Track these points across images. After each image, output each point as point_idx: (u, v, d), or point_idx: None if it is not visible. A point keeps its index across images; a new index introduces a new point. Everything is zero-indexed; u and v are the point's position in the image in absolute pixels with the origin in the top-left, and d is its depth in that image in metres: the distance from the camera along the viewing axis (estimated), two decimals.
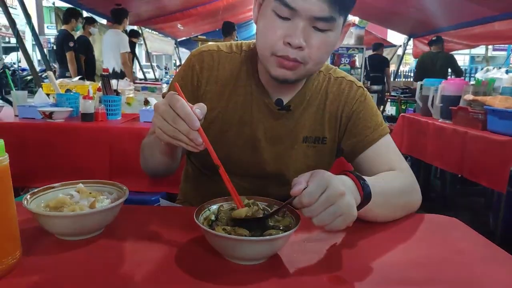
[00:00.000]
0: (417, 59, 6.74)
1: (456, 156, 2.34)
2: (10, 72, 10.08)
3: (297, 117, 0.89)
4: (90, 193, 0.71)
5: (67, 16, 4.74)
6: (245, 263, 0.59)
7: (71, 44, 4.61)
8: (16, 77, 10.01)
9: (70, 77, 4.17)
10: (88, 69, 5.05)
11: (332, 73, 0.94)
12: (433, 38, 5.36)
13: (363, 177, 0.68)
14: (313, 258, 0.62)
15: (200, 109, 0.61)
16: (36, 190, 0.70)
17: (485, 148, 2.10)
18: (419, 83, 3.03)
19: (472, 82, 2.59)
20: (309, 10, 0.71)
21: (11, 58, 12.78)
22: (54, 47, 4.92)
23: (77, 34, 4.99)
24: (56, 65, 5.33)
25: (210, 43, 0.94)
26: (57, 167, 1.85)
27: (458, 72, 5.29)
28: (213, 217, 0.65)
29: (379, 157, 0.88)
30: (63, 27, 4.79)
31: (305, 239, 0.69)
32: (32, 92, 4.02)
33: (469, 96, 2.33)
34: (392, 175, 0.83)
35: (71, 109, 2.00)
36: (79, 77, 3.64)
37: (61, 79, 3.00)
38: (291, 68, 0.76)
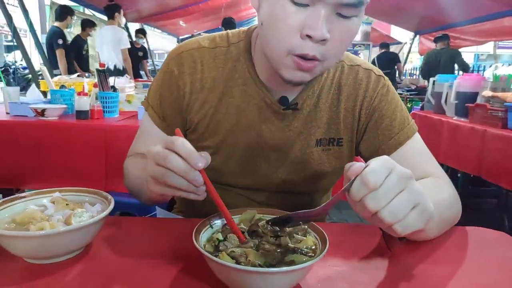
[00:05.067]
0: (422, 57, 6.70)
1: (473, 156, 2.20)
2: (11, 70, 10.00)
3: (307, 116, 0.75)
4: (66, 204, 0.58)
5: (61, 12, 4.52)
6: None
7: (60, 41, 4.37)
8: (17, 75, 9.91)
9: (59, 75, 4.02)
10: (83, 67, 4.88)
11: (345, 60, 0.77)
12: (438, 35, 5.29)
13: None
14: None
15: (204, 154, 0.50)
16: (1, 201, 0.57)
17: (506, 148, 1.96)
18: (431, 79, 2.88)
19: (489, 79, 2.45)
20: None
21: (13, 56, 12.66)
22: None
23: (69, 31, 4.76)
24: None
25: (191, 39, 0.79)
26: (50, 167, 1.75)
27: (463, 66, 5.18)
28: (220, 236, 0.52)
29: (408, 163, 0.71)
30: (55, 24, 4.56)
31: (333, 264, 0.56)
32: None
33: (488, 93, 2.19)
34: (436, 184, 0.70)
35: (64, 106, 1.87)
36: (77, 74, 3.52)
37: (59, 76, 2.89)
38: (309, 69, 0.61)
